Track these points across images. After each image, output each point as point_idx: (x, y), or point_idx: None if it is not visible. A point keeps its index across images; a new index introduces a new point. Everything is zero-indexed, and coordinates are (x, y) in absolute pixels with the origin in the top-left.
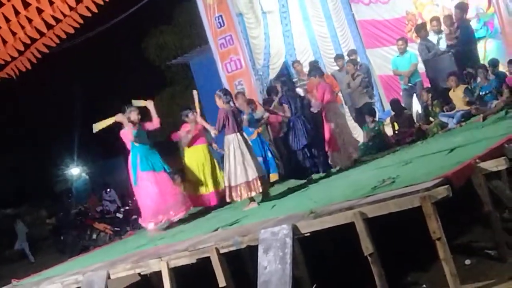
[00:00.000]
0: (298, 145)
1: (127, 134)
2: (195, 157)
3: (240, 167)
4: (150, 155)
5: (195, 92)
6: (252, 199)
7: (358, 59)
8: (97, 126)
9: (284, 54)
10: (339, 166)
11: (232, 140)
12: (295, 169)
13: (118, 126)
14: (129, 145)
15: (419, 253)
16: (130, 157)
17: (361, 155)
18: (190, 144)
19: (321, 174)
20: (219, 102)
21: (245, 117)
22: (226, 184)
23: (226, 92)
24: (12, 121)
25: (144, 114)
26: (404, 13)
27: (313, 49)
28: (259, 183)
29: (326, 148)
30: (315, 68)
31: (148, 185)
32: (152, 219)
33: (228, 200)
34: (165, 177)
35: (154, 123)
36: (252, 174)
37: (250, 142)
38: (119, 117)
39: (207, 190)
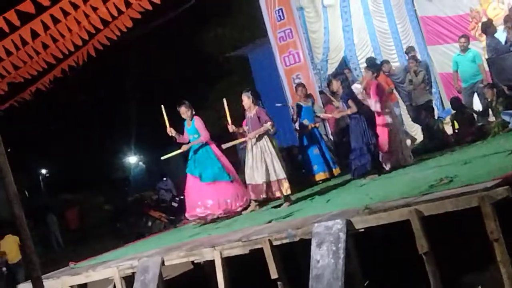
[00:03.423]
0: (361, 142)
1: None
2: None
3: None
4: (201, 161)
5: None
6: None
7: (418, 56)
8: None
9: (344, 49)
10: (388, 167)
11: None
12: (354, 166)
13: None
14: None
15: (476, 254)
16: None
17: (420, 154)
18: None
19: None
20: (248, 102)
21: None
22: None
23: (257, 95)
24: (75, 109)
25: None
26: (468, 10)
27: (373, 44)
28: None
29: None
30: (372, 64)
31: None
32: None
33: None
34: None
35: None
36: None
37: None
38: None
39: None
